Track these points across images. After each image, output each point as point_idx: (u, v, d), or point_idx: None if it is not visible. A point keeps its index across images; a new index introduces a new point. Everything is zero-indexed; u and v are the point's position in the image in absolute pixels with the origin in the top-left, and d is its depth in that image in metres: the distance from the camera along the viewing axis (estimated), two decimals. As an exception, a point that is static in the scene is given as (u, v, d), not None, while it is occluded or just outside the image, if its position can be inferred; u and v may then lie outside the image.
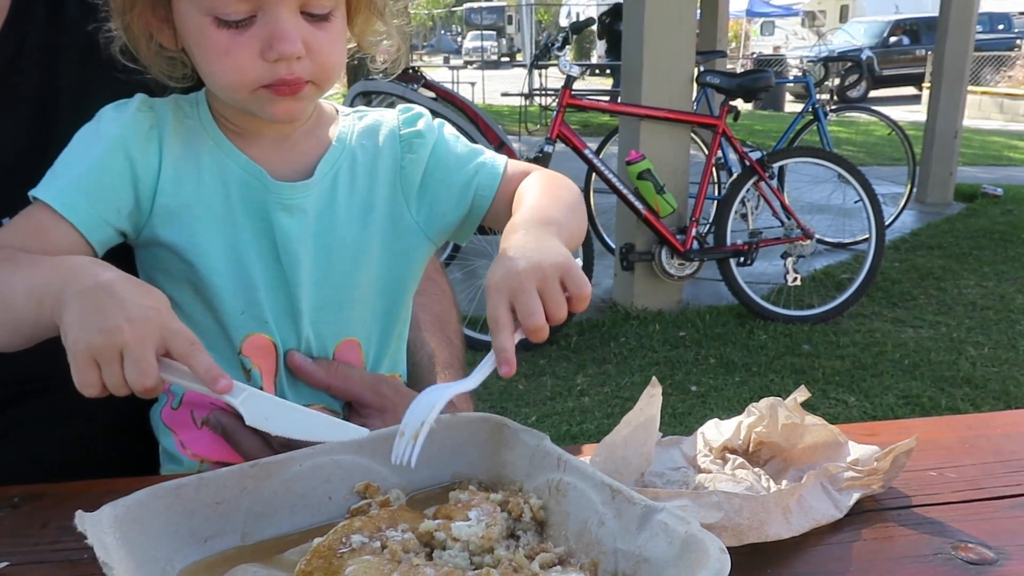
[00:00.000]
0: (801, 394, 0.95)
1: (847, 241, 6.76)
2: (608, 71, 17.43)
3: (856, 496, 0.88)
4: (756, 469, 0.91)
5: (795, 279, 5.24)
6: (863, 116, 8.64)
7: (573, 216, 1.00)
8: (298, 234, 1.00)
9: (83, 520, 0.69)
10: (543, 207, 0.98)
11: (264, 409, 0.87)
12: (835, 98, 7.46)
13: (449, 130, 1.11)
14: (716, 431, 0.97)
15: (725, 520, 0.77)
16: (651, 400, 0.88)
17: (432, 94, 6.54)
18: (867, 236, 5.36)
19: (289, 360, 1.02)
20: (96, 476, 0.96)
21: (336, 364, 1.04)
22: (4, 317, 0.87)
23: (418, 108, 1.11)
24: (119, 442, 1.12)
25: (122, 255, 0.98)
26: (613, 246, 5.83)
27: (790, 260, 5.23)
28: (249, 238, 0.99)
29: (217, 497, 0.78)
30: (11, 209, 0.99)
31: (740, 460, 0.91)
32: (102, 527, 0.69)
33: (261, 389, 1.00)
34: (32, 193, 0.94)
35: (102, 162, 0.95)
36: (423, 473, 0.88)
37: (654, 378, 0.89)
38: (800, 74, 7.18)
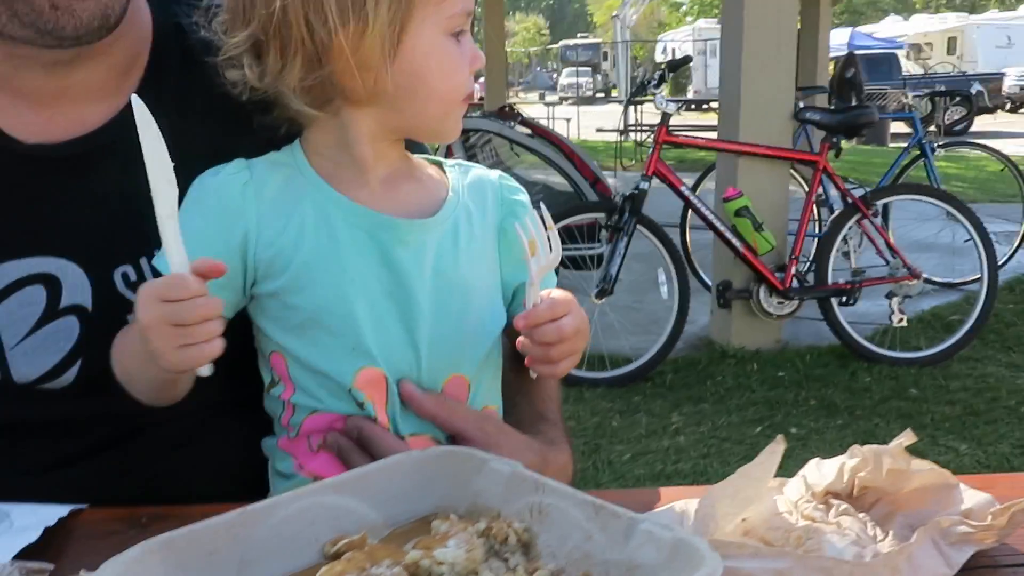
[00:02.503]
0: (907, 438, 0.93)
1: (956, 281, 6.47)
2: (705, 106, 17.30)
3: (969, 553, 0.85)
4: (862, 515, 0.89)
5: (901, 320, 5.06)
6: (973, 151, 8.31)
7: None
8: (416, 269, 1.04)
9: None
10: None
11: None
12: (942, 133, 7.22)
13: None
14: (818, 473, 0.95)
15: (833, 585, 0.76)
16: (771, 456, 0.87)
17: (528, 130, 6.65)
18: (978, 276, 5.14)
19: (402, 389, 1.05)
20: (211, 500, 1.02)
21: (444, 397, 1.07)
22: (143, 386, 1.02)
23: (516, 183, 1.19)
24: (230, 469, 1.18)
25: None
26: (709, 283, 5.76)
27: (895, 300, 5.06)
28: (358, 276, 1.03)
29: (209, 548, 0.80)
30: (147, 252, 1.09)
31: (845, 506, 0.90)
32: None
33: (375, 420, 1.04)
34: (154, 264, 1.02)
35: (202, 235, 1.00)
36: (402, 507, 0.92)
37: (780, 436, 0.89)
38: (905, 109, 6.96)
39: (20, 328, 1.10)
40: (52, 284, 1.11)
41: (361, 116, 1.04)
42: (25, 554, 0.87)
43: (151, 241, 1.12)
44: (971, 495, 0.92)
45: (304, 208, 1.04)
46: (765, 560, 0.76)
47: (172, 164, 0.89)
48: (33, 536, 0.91)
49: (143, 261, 1.13)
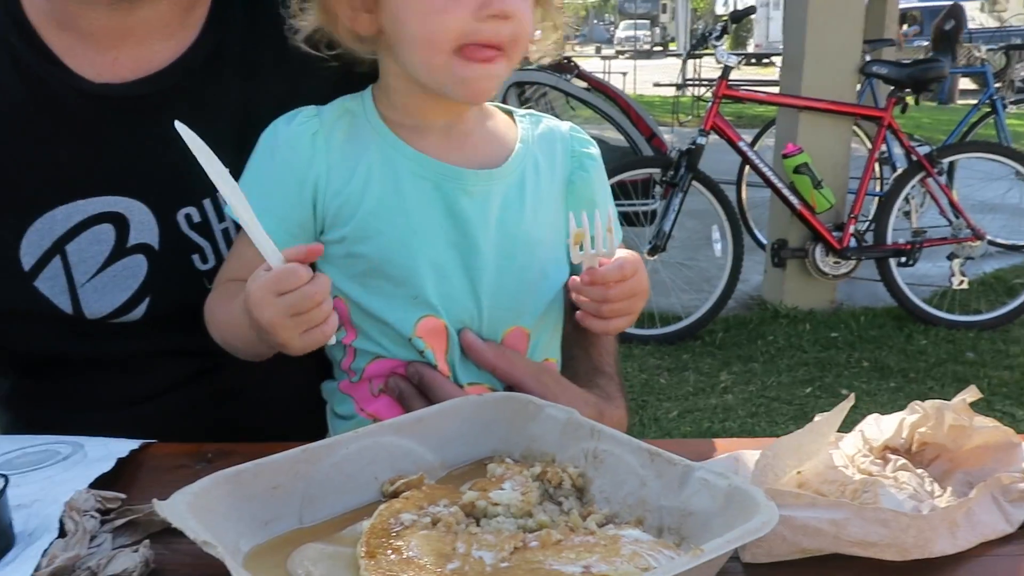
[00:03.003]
0: (970, 394, 0.91)
1: (1022, 243, 6.28)
2: (766, 60, 16.86)
3: (1029, 509, 0.84)
4: (920, 471, 0.89)
5: (962, 282, 4.93)
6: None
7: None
8: (480, 219, 1.04)
9: (162, 508, 0.75)
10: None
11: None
12: (1016, 88, 6.95)
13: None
14: (877, 428, 0.95)
15: (890, 538, 0.75)
16: (838, 412, 0.87)
17: (584, 84, 6.57)
18: (1046, 238, 4.98)
19: (462, 338, 1.06)
20: (275, 438, 1.05)
21: (504, 348, 1.08)
22: (240, 343, 1.05)
23: (587, 136, 1.17)
24: (290, 410, 1.21)
25: None
26: (764, 242, 5.67)
27: (957, 262, 4.92)
28: (422, 225, 1.04)
29: (273, 482, 0.83)
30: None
31: (903, 461, 0.89)
32: (180, 512, 0.74)
33: (435, 368, 1.06)
34: (229, 214, 1.08)
35: (275, 185, 1.03)
36: (459, 450, 0.94)
37: (851, 393, 0.89)
38: (978, 63, 6.71)
39: (90, 266, 1.14)
40: (120, 223, 1.14)
41: (387, 64, 1.06)
42: (99, 483, 0.91)
43: (214, 185, 1.16)
44: (1034, 454, 0.90)
45: (371, 156, 1.05)
46: (821, 510, 0.76)
47: (228, 171, 0.91)
48: (107, 466, 0.95)
49: (206, 203, 1.16)
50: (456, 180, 1.05)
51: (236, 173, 1.11)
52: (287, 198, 1.03)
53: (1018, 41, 9.71)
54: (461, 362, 1.08)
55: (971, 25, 21.88)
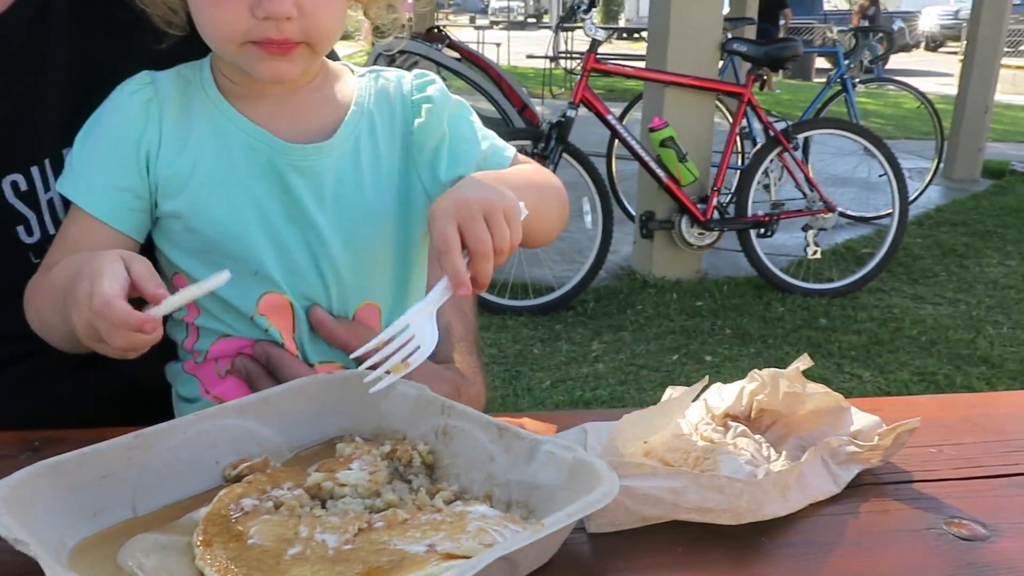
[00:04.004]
0: (803, 363, 0.96)
1: (870, 215, 6.69)
2: (636, 35, 17.19)
3: (855, 471, 0.89)
4: (757, 437, 0.92)
5: (815, 252, 5.21)
6: (892, 88, 8.49)
7: (539, 197, 1.01)
8: (313, 195, 1.01)
9: None
10: (507, 175, 1.01)
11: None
12: (864, 69, 7.35)
13: (468, 109, 1.11)
14: (718, 397, 0.98)
15: (724, 503, 0.78)
16: (691, 391, 0.90)
17: (456, 54, 6.51)
18: (890, 211, 5.31)
19: (312, 315, 1.03)
20: (111, 423, 0.99)
21: (357, 325, 1.06)
22: (62, 336, 0.96)
23: (432, 75, 1.11)
24: (134, 390, 1.15)
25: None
26: (633, 213, 5.81)
27: (811, 233, 5.19)
28: (256, 199, 1.00)
29: (102, 471, 0.79)
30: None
31: (742, 428, 0.93)
32: None
33: (283, 347, 1.03)
34: (64, 192, 1.00)
35: (109, 153, 0.99)
36: (307, 431, 0.92)
37: (706, 376, 0.92)
38: (830, 43, 7.05)
39: None
40: None
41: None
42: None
43: (43, 151, 1.07)
44: (861, 417, 0.96)
45: (202, 126, 1.00)
46: (661, 479, 0.78)
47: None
48: (-85, 461, 0.87)
49: (34, 170, 1.08)
50: (285, 155, 1.01)
51: (67, 136, 1.04)
52: (123, 166, 0.98)
53: (865, 23, 10.25)
54: (311, 340, 1.05)
55: (826, 7, 22.97)
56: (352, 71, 1.11)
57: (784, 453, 0.91)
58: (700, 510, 0.78)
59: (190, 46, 1.04)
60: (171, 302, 0.84)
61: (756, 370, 0.96)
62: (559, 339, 4.55)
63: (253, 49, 0.95)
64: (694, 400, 0.97)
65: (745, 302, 5.08)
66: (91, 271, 0.83)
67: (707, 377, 0.96)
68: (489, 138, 1.09)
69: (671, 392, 1.01)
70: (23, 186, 1.08)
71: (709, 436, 0.92)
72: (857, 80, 6.55)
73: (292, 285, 1.02)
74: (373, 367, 0.89)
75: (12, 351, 1.11)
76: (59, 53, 1.09)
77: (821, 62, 17.14)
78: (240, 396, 1.01)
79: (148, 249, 1.04)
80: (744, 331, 4.68)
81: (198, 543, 0.73)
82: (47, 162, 1.08)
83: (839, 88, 6.50)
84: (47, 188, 1.08)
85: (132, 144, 0.99)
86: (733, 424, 0.94)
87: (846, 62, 6.50)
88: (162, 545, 0.74)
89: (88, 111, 0.99)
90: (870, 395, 3.93)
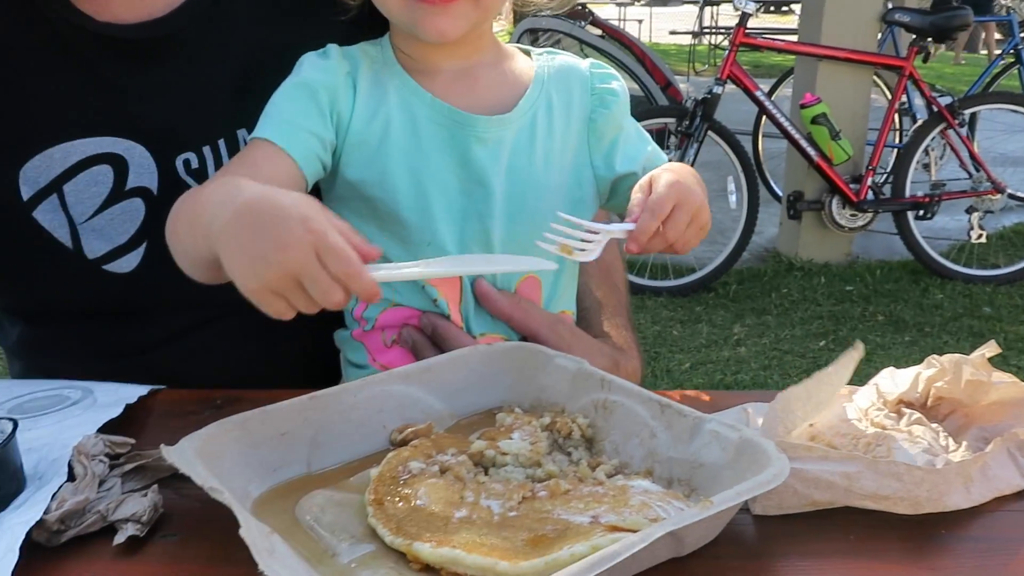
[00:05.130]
0: (989, 349, 0.90)
1: (1043, 197, 6.19)
2: (785, 8, 16.51)
3: (1045, 464, 0.83)
4: (934, 425, 0.87)
5: (980, 236, 4.87)
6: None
7: (705, 200, 1.01)
8: (492, 166, 1.03)
9: (170, 454, 0.74)
10: (691, 177, 1.02)
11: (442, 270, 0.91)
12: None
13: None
14: (891, 382, 0.93)
15: (903, 491, 0.74)
16: (848, 362, 0.86)
17: (599, 31, 6.45)
18: (1067, 192, 4.91)
19: (477, 287, 1.06)
20: (285, 385, 1.04)
21: (519, 298, 1.07)
22: (195, 258, 0.88)
23: (610, 68, 1.13)
24: (306, 355, 1.20)
25: None
26: (780, 193, 5.60)
27: (976, 215, 4.86)
28: (437, 171, 1.03)
29: (281, 428, 0.83)
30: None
31: (917, 415, 0.88)
32: (188, 458, 0.74)
33: (448, 318, 1.05)
34: (253, 135, 1.00)
35: (308, 104, 1.01)
36: (467, 400, 0.93)
37: (859, 342, 0.88)
38: (1003, 11, 6.55)
39: (88, 207, 1.13)
40: (119, 164, 1.12)
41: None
42: (108, 428, 0.91)
43: (215, 131, 1.14)
44: (1052, 410, 0.89)
45: (390, 101, 1.04)
46: (833, 463, 0.75)
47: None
48: (116, 412, 0.95)
49: (206, 149, 1.14)
50: (469, 127, 1.03)
51: (241, 117, 1.09)
52: (319, 116, 1.02)
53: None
54: (475, 312, 1.07)
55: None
56: (527, 53, 1.13)
57: (964, 444, 0.85)
58: (875, 497, 0.75)
59: (360, 30, 1.07)
60: (396, 273, 0.85)
61: (935, 356, 0.91)
62: (699, 321, 4.46)
63: (415, 5, 0.97)
64: (858, 383, 0.93)
65: (900, 287, 4.82)
66: (300, 215, 0.72)
67: (861, 344, 0.89)
68: (650, 140, 1.13)
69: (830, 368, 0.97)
70: (195, 164, 1.14)
71: (881, 422, 0.88)
72: (1034, 51, 6.04)
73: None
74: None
75: (195, 317, 1.18)
76: (234, 39, 1.14)
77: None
78: (405, 364, 1.05)
79: None
80: (898, 318, 4.44)
81: (370, 501, 0.76)
82: (221, 142, 1.14)
83: (1012, 60, 6.02)
84: (218, 166, 1.14)
85: (328, 102, 1.02)
86: (907, 411, 0.89)
87: (1022, 33, 6.01)
88: (336, 501, 0.78)
89: (267, 94, 1.03)
90: (1040, 390, 3.65)
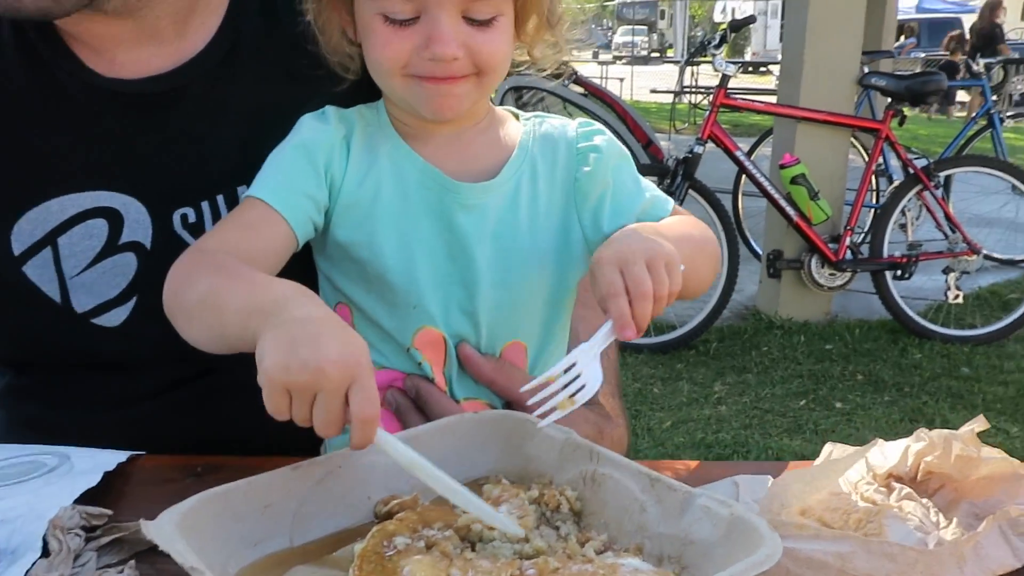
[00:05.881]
0: (979, 424, 0.90)
1: (1018, 258, 6.30)
2: (763, 69, 16.87)
3: (1037, 542, 0.83)
4: (924, 501, 0.87)
5: (957, 296, 4.93)
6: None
7: (695, 251, 1.01)
8: (476, 233, 1.03)
9: (148, 529, 0.72)
10: (665, 228, 1.01)
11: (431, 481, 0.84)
12: (1011, 103, 6.97)
13: (627, 153, 1.12)
14: (881, 456, 0.93)
15: (897, 572, 0.73)
16: (859, 452, 0.86)
17: (581, 89, 6.54)
18: (1042, 254, 4.99)
19: (460, 351, 1.05)
20: (269, 445, 1.02)
21: (503, 362, 1.07)
22: (212, 324, 0.89)
23: (598, 125, 1.13)
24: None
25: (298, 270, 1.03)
26: (760, 252, 5.66)
27: (952, 276, 4.92)
28: (424, 236, 1.03)
29: (265, 501, 0.81)
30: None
31: (907, 490, 0.87)
32: (168, 534, 0.71)
33: (432, 381, 1.04)
34: (248, 193, 1.01)
35: (305, 165, 1.02)
36: (454, 470, 0.89)
37: (878, 440, 0.88)
38: (975, 76, 6.72)
39: (80, 260, 1.12)
40: (115, 219, 1.12)
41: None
42: (85, 497, 0.89)
43: (214, 187, 1.14)
44: (1041, 486, 0.88)
45: (383, 162, 1.05)
46: (826, 543, 0.74)
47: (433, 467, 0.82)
48: (93, 480, 0.93)
49: (204, 204, 1.14)
50: (454, 193, 1.03)
51: (240, 174, 1.09)
52: (313, 179, 1.02)
53: (1015, 55, 9.72)
54: (459, 376, 1.07)
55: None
56: (517, 117, 1.14)
57: (955, 520, 0.85)
58: (869, 578, 0.74)
59: (359, 90, 1.08)
60: (394, 450, 0.82)
61: (923, 429, 0.90)
62: (680, 379, 4.46)
63: (418, 85, 0.98)
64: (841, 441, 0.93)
65: (879, 347, 4.86)
66: (359, 346, 0.78)
67: (879, 440, 0.91)
68: (649, 189, 1.11)
69: (831, 449, 0.96)
70: (192, 218, 1.14)
71: (871, 497, 0.87)
72: (1006, 115, 6.20)
73: (447, 321, 1.04)
74: (540, 404, 0.89)
75: (183, 371, 1.17)
76: (239, 97, 1.15)
77: (960, 97, 16.36)
78: (390, 428, 1.03)
79: (309, 276, 1.07)
80: (877, 378, 4.46)
81: (355, 577, 0.74)
82: (220, 198, 1.14)
83: (984, 123, 6.18)
84: (215, 221, 1.14)
85: (323, 164, 1.03)
86: (897, 485, 0.89)
87: (993, 97, 6.17)
88: (319, 578, 0.76)
89: (267, 151, 1.04)
90: (1019, 452, 3.63)
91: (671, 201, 1.10)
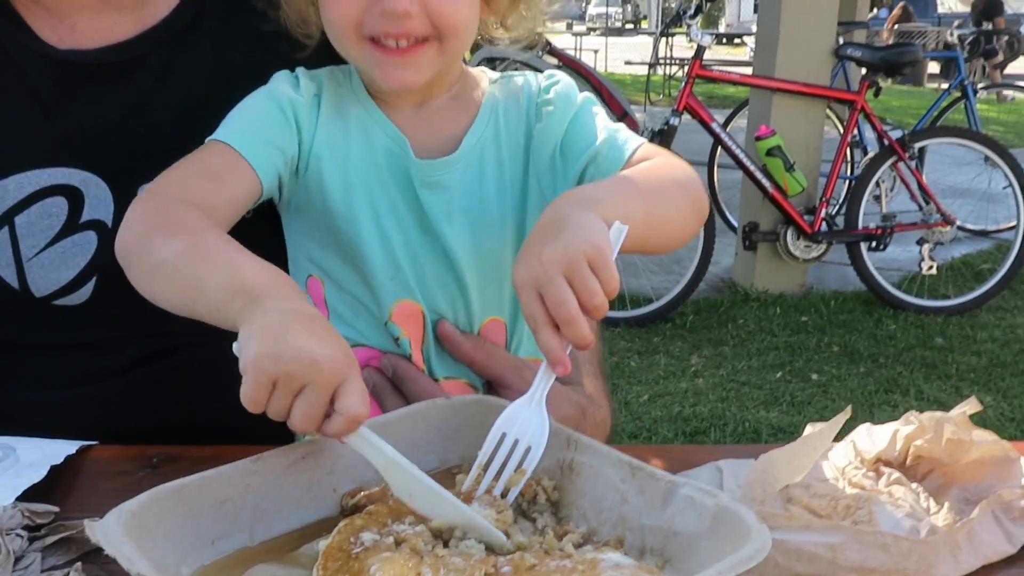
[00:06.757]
0: (970, 407, 0.87)
1: (991, 229, 6.34)
2: (738, 40, 16.83)
3: (1030, 527, 0.80)
4: (914, 485, 0.84)
5: (931, 267, 4.95)
6: (1016, 95, 8.05)
7: (656, 203, 0.90)
8: (443, 210, 0.99)
9: (94, 531, 0.67)
10: (603, 185, 0.91)
11: (408, 484, 0.78)
12: (985, 74, 6.98)
13: (592, 104, 1.04)
14: (868, 439, 0.90)
15: (890, 563, 0.70)
16: (833, 426, 0.82)
17: (556, 61, 6.47)
18: (1014, 224, 5.02)
19: (439, 328, 1.01)
20: (236, 430, 0.97)
21: (483, 340, 1.02)
22: (182, 289, 0.83)
23: (560, 75, 1.05)
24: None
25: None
26: (736, 224, 5.65)
27: (926, 247, 4.94)
28: (396, 207, 0.99)
29: (221, 496, 0.76)
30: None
31: (896, 475, 0.84)
32: (114, 536, 0.66)
33: (409, 358, 1.00)
34: (213, 137, 0.95)
35: (275, 115, 0.97)
36: (426, 458, 0.86)
37: (849, 406, 0.83)
38: (948, 47, 6.72)
39: (39, 240, 1.07)
40: (75, 197, 1.07)
41: None
42: (31, 492, 0.83)
43: (178, 157, 1.08)
44: (1033, 468, 0.86)
45: (354, 126, 1.00)
46: (816, 534, 0.71)
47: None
48: (39, 475, 0.87)
49: None
50: (416, 170, 0.98)
51: (199, 142, 1.03)
52: (282, 130, 0.97)
53: (988, 27, 9.74)
54: (437, 354, 1.02)
55: (940, 10, 22.01)
56: (488, 76, 1.07)
57: (946, 505, 0.82)
58: (861, 570, 0.70)
59: (329, 52, 1.03)
60: (376, 448, 0.77)
61: (913, 412, 0.87)
62: (657, 352, 4.45)
63: (374, 52, 0.92)
64: (837, 439, 0.89)
65: (854, 318, 4.87)
66: (347, 347, 0.75)
67: (849, 408, 0.87)
68: (610, 131, 1.00)
69: (810, 429, 0.93)
70: None
71: (859, 482, 0.84)
72: (979, 86, 6.20)
73: (425, 295, 1.00)
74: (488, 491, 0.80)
75: (147, 349, 1.13)
76: (201, 62, 1.11)
77: (933, 68, 16.43)
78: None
79: (277, 250, 1.02)
80: (853, 349, 4.47)
81: (319, 578, 0.69)
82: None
83: (958, 95, 6.18)
84: None
85: (293, 117, 0.97)
86: (886, 470, 0.86)
87: (966, 66, 6.18)
88: (280, 579, 0.71)
89: (223, 115, 0.98)
90: (992, 422, 3.69)
91: (633, 141, 0.99)
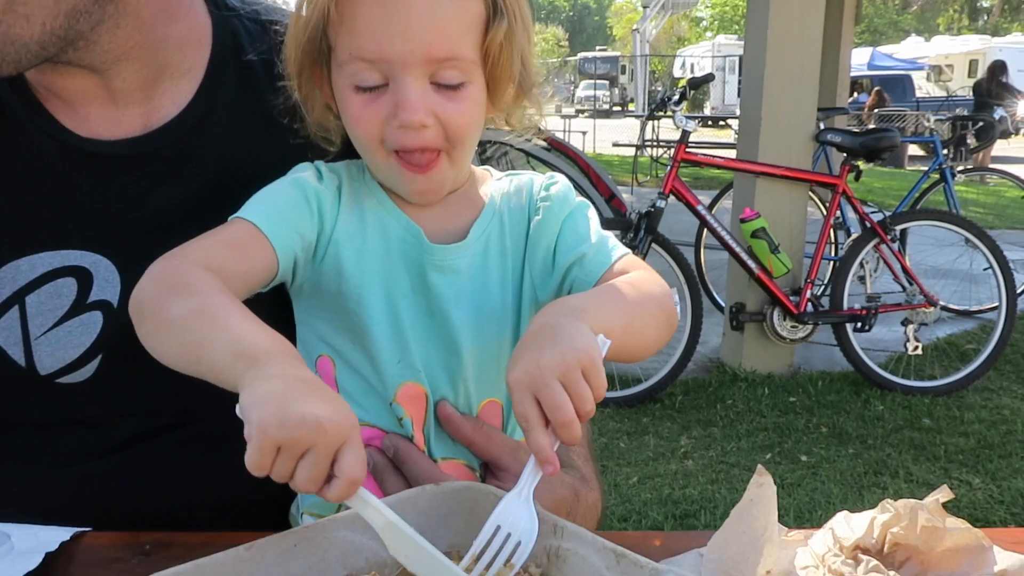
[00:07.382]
0: (943, 494, 0.89)
1: (974, 309, 6.42)
2: (722, 123, 17.24)
3: (1003, 614, 0.82)
4: (892, 573, 0.86)
5: (916, 348, 5.00)
6: (993, 177, 8.25)
7: (633, 315, 0.96)
8: (451, 294, 1.03)
9: None
10: (590, 296, 0.97)
11: (405, 546, 0.81)
12: (964, 158, 7.17)
13: (587, 208, 1.10)
14: (847, 527, 0.92)
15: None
16: (760, 490, 0.84)
17: (544, 143, 6.63)
18: (996, 304, 5.09)
19: (440, 409, 1.04)
20: (233, 504, 0.98)
21: (482, 423, 1.06)
22: (189, 346, 0.85)
23: (559, 177, 1.12)
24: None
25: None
26: (723, 304, 5.71)
27: (911, 327, 5.00)
28: (405, 292, 1.03)
29: None
30: None
31: (874, 563, 0.86)
32: None
33: (411, 438, 1.03)
34: (237, 215, 0.98)
35: (299, 203, 1.01)
36: None
37: (760, 466, 0.86)
38: (926, 132, 6.92)
39: (47, 319, 1.10)
40: (84, 278, 1.11)
41: None
42: (25, 580, 0.84)
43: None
44: (1005, 557, 0.88)
45: (370, 217, 1.05)
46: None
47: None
48: (33, 563, 0.88)
49: None
50: (428, 254, 1.04)
51: (208, 229, 1.07)
52: (305, 219, 1.01)
53: (964, 112, 10.04)
54: (437, 434, 1.05)
55: (918, 94, 22.66)
56: (492, 175, 1.14)
57: (923, 593, 0.84)
58: (839, 660, 0.72)
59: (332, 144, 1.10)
60: (376, 510, 0.79)
61: (889, 500, 0.90)
62: (646, 433, 4.45)
63: (400, 167, 0.99)
64: (816, 527, 0.91)
65: (841, 399, 4.89)
66: (351, 413, 0.77)
67: (761, 467, 0.87)
68: (600, 237, 1.07)
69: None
70: None
71: (839, 569, 0.86)
72: (958, 170, 6.37)
73: (430, 377, 1.04)
74: None
75: (149, 425, 1.14)
76: (211, 150, 1.16)
77: (914, 150, 16.84)
78: (366, 487, 1.01)
79: (284, 325, 1.05)
80: (841, 430, 4.48)
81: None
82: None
83: (937, 178, 6.34)
84: None
85: (316, 207, 1.02)
86: (864, 558, 0.87)
87: (944, 152, 6.35)
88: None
89: (239, 203, 1.01)
90: (981, 503, 3.69)
91: (616, 253, 1.05)
